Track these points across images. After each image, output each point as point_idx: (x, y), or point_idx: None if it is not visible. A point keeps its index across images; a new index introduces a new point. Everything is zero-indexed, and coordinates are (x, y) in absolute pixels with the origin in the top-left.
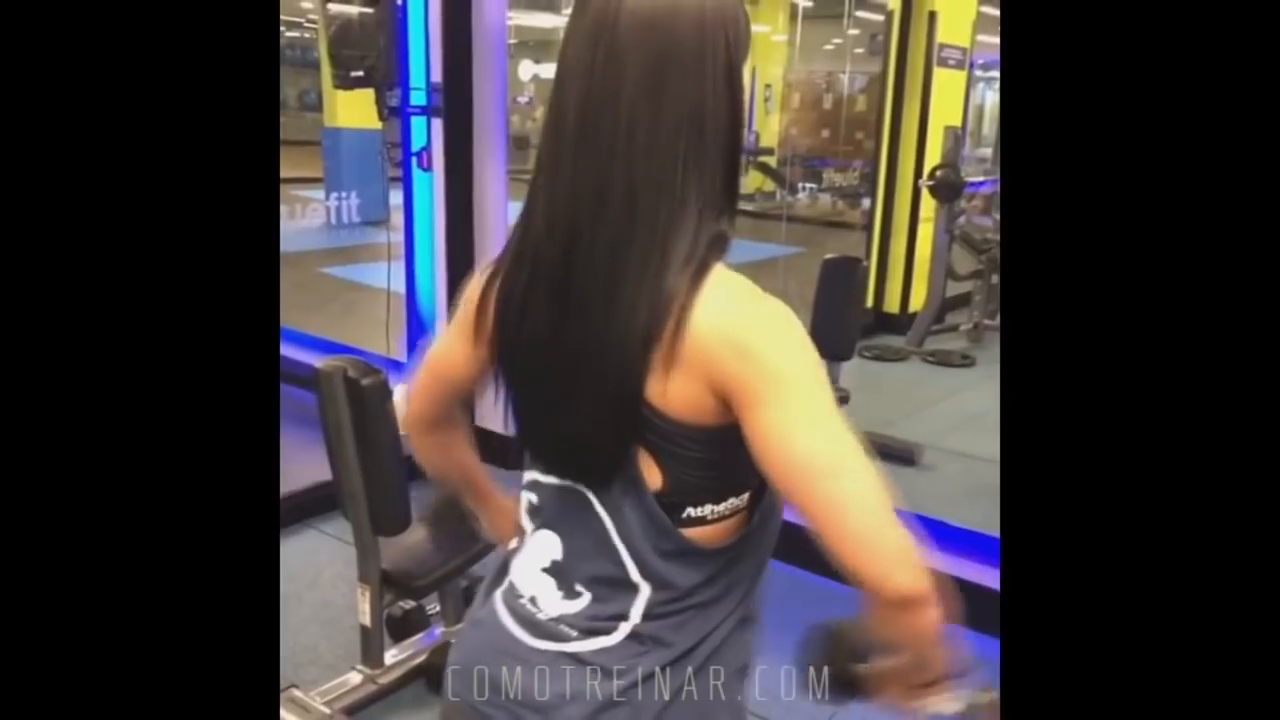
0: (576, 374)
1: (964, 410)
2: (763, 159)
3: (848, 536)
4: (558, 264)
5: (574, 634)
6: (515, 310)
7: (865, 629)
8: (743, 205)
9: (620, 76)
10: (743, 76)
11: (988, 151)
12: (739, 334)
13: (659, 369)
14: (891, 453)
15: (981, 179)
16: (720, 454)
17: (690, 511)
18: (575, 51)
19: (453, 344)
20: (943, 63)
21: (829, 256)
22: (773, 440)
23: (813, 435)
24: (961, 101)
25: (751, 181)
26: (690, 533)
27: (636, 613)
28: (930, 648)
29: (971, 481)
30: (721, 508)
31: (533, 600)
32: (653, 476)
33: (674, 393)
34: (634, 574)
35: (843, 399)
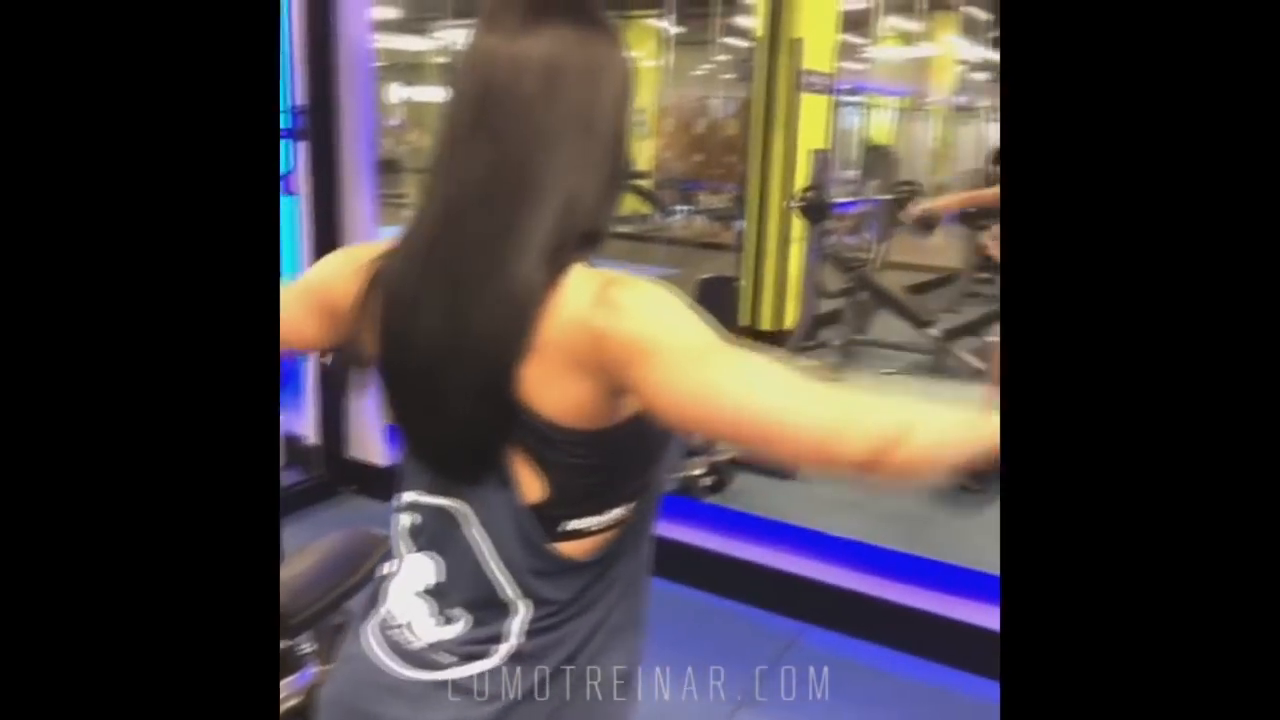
0: (452, 369)
1: None
2: (637, 182)
3: (778, 434)
4: (449, 254)
5: (451, 660)
6: (406, 303)
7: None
8: (619, 228)
9: (519, 75)
10: (631, 106)
11: (853, 174)
12: (599, 318)
13: (533, 368)
14: (769, 466)
15: (849, 199)
16: (606, 459)
17: (572, 524)
18: (475, 56)
19: (299, 319)
20: (808, 88)
21: (703, 276)
22: (667, 392)
23: (705, 368)
24: (827, 125)
25: (627, 204)
26: (566, 547)
27: (515, 633)
28: (957, 449)
29: (845, 492)
30: (605, 519)
31: (408, 627)
32: (533, 487)
33: (555, 393)
34: (510, 593)
35: None
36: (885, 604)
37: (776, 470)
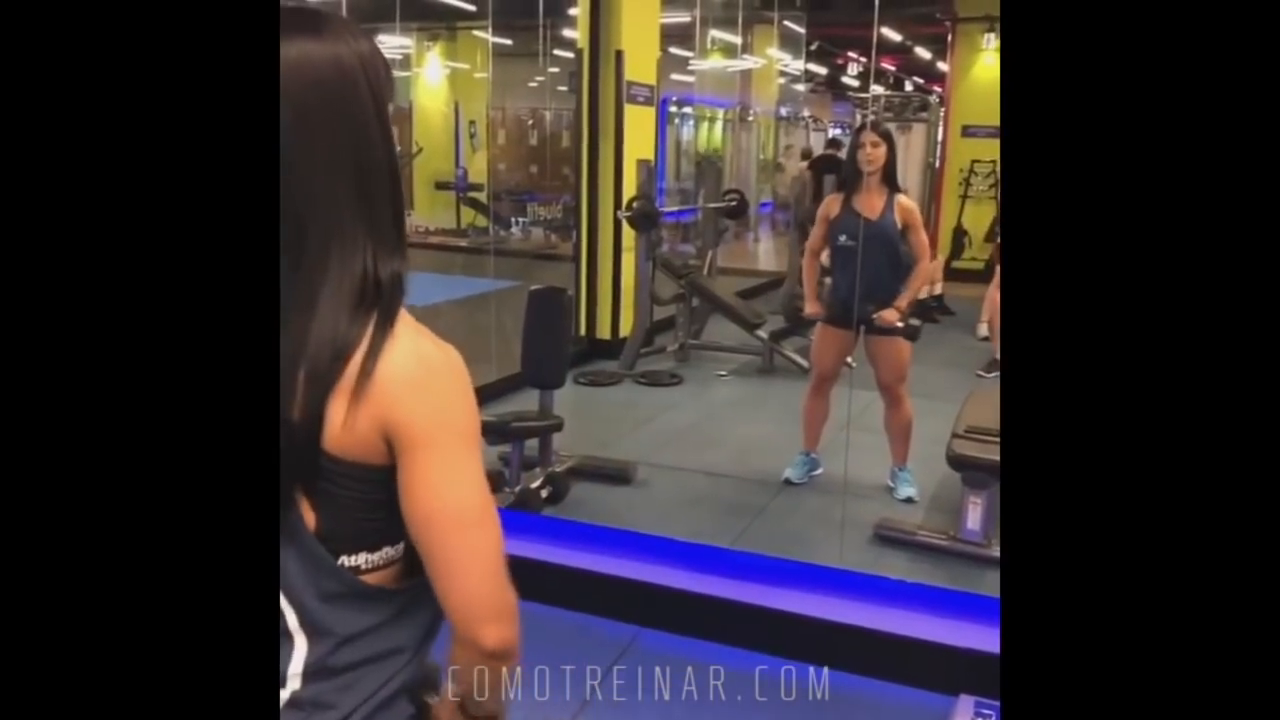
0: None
1: (674, 426)
2: (472, 195)
3: (466, 587)
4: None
5: None
6: None
7: (435, 668)
8: (455, 241)
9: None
10: (389, 115)
11: (688, 183)
12: (422, 379)
13: (337, 414)
14: (607, 473)
15: (679, 208)
16: (383, 495)
17: (344, 560)
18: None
19: None
20: (632, 99)
21: (534, 288)
22: (423, 486)
23: (461, 488)
24: (653, 136)
25: (464, 217)
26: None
27: (294, 676)
28: (495, 693)
29: (682, 493)
30: (376, 557)
31: None
32: (307, 520)
33: (346, 435)
34: (290, 622)
35: (556, 426)
36: (722, 602)
37: (615, 476)
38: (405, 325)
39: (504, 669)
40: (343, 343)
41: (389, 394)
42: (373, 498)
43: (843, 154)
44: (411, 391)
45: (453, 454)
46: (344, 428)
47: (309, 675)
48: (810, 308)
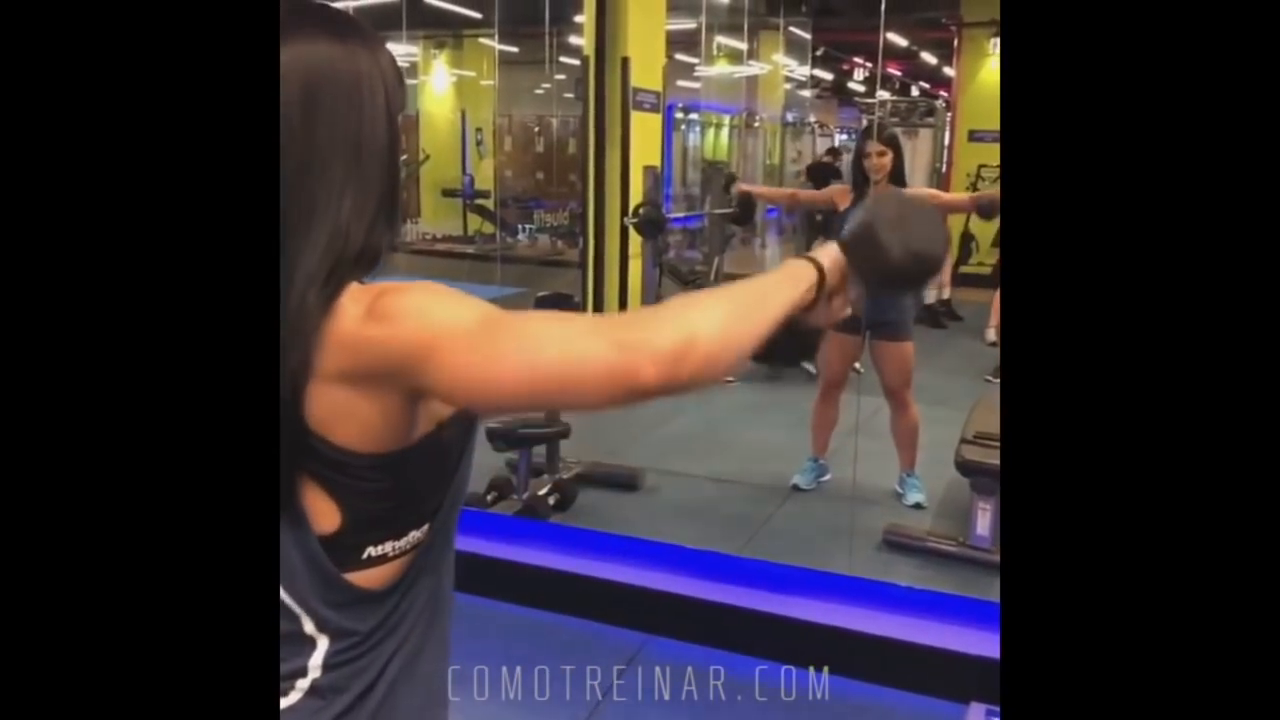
0: None
1: (682, 432)
2: (479, 201)
3: (574, 382)
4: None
5: None
6: None
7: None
8: (462, 248)
9: (283, 93)
10: (398, 119)
11: (694, 190)
12: (372, 330)
13: (320, 394)
14: (614, 480)
15: (686, 214)
16: (400, 481)
17: (371, 551)
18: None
19: None
20: (638, 106)
21: (541, 294)
22: (458, 378)
23: (486, 342)
24: (659, 142)
25: (471, 224)
26: (362, 577)
27: (315, 667)
28: (763, 314)
29: (689, 500)
30: (402, 543)
31: None
32: (328, 518)
33: (344, 418)
34: (309, 627)
35: (563, 433)
36: (730, 610)
37: (623, 483)
38: (349, 294)
39: (716, 349)
40: (305, 324)
41: (353, 362)
42: (389, 485)
43: (840, 162)
44: (369, 346)
45: (448, 345)
46: (334, 414)
47: (329, 667)
48: (744, 186)
